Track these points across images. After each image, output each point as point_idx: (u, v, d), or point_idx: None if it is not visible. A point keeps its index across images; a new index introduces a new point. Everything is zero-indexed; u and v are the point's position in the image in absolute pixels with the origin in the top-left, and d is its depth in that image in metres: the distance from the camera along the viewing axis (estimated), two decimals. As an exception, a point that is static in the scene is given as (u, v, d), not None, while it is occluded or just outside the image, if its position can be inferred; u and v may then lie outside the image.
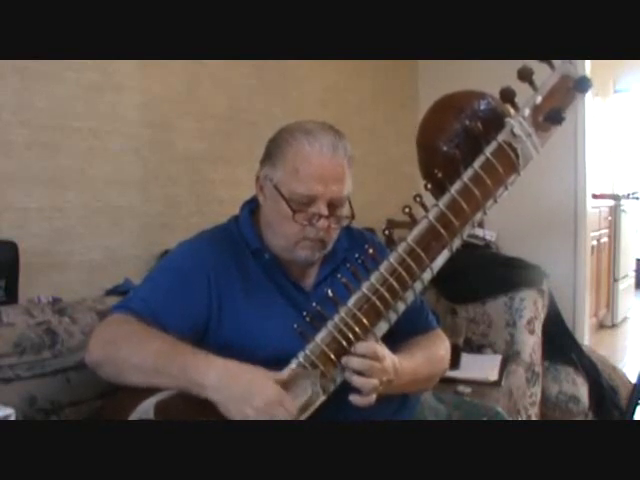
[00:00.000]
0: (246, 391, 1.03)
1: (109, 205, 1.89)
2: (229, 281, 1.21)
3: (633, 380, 2.36)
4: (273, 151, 1.23)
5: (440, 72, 3.08)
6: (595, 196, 4.21)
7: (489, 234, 3.20)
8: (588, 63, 3.25)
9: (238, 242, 1.26)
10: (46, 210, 1.73)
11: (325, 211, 1.17)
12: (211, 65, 2.20)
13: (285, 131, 1.23)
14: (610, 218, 4.84)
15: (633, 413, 2.23)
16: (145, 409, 1.05)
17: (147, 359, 1.08)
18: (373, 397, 1.08)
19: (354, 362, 1.07)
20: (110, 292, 1.74)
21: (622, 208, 5.13)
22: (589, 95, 3.32)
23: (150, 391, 1.07)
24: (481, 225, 3.25)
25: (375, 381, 1.07)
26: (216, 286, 1.20)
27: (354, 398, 1.07)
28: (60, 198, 1.76)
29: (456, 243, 1.09)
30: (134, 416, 1.06)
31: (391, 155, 3.23)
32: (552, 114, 1.06)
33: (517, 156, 1.07)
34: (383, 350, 1.10)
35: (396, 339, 1.19)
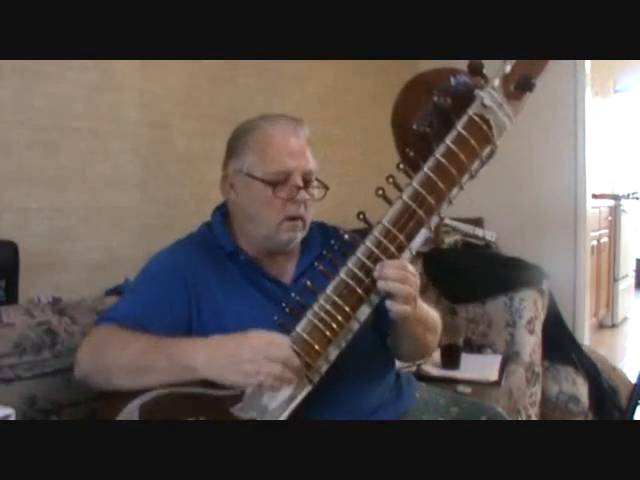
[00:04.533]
0: (234, 352, 1.03)
1: (109, 205, 1.89)
2: (207, 283, 1.22)
3: (633, 380, 2.35)
4: (236, 145, 1.27)
5: (440, 72, 3.08)
6: (595, 196, 4.21)
7: (489, 234, 3.19)
8: (588, 63, 3.26)
9: (212, 246, 1.27)
10: (46, 210, 1.73)
11: (301, 183, 1.21)
12: (211, 65, 2.20)
13: (243, 125, 1.29)
14: (610, 218, 4.84)
15: (633, 413, 2.22)
16: (130, 412, 1.05)
17: (134, 358, 1.09)
18: (409, 307, 1.08)
19: (390, 271, 1.05)
20: (110, 292, 1.74)
21: (622, 208, 5.13)
22: (589, 95, 3.32)
23: (134, 394, 1.06)
24: (481, 225, 3.26)
25: (410, 288, 1.07)
26: (194, 289, 1.21)
27: (391, 303, 1.07)
28: (60, 198, 1.76)
29: (434, 221, 1.08)
30: (120, 419, 1.05)
31: (391, 155, 3.22)
32: (522, 82, 1.06)
33: (490, 127, 1.06)
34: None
35: (383, 324, 1.20)
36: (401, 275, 1.06)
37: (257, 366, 1.01)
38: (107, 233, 1.89)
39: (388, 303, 1.07)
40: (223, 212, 1.33)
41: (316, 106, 2.70)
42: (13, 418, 1.10)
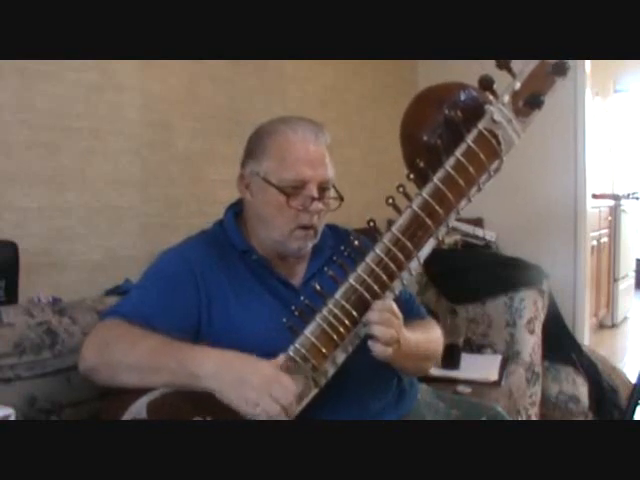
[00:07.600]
0: (242, 374, 1.02)
1: (109, 205, 1.89)
2: (217, 282, 1.22)
3: (633, 380, 2.36)
4: (255, 146, 1.26)
5: (440, 72, 3.06)
6: (595, 196, 4.21)
7: (489, 234, 3.20)
8: (588, 63, 3.26)
9: (224, 245, 1.27)
10: (46, 210, 1.73)
11: (316, 193, 1.20)
12: (211, 65, 2.20)
13: (264, 126, 1.27)
14: (610, 218, 4.85)
15: (633, 413, 2.22)
16: (137, 409, 1.05)
17: (142, 357, 1.08)
18: (390, 349, 1.08)
19: (374, 315, 1.06)
20: (110, 292, 1.74)
21: (622, 208, 5.13)
22: (589, 95, 3.32)
23: (140, 392, 1.06)
24: (481, 225, 3.26)
25: (393, 331, 1.07)
26: (204, 287, 1.21)
27: (372, 344, 1.07)
28: (60, 198, 1.76)
29: (442, 231, 1.09)
30: (126, 417, 1.05)
31: (391, 155, 3.23)
32: (531, 99, 1.07)
33: (498, 142, 1.07)
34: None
35: None
36: (385, 318, 1.07)
37: (259, 398, 1.00)
38: (107, 233, 1.89)
39: (370, 343, 1.08)
40: (236, 211, 1.32)
41: (316, 106, 2.70)
42: (13, 418, 1.10)
